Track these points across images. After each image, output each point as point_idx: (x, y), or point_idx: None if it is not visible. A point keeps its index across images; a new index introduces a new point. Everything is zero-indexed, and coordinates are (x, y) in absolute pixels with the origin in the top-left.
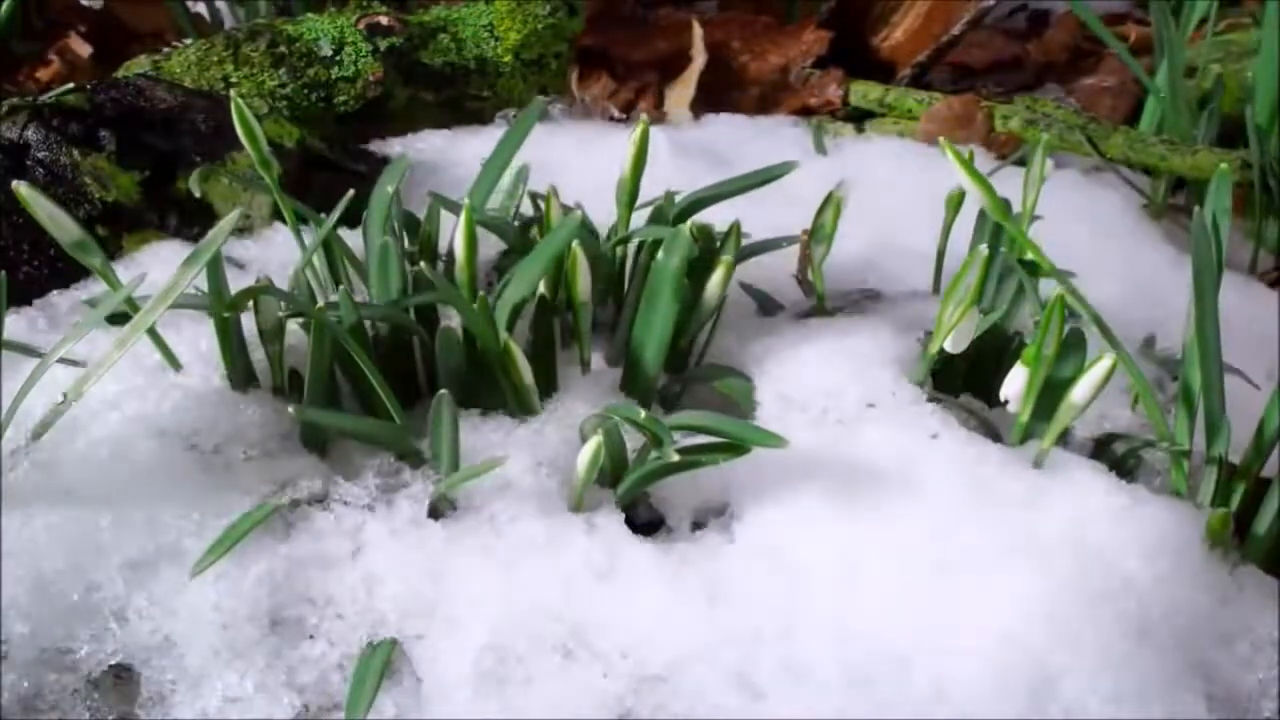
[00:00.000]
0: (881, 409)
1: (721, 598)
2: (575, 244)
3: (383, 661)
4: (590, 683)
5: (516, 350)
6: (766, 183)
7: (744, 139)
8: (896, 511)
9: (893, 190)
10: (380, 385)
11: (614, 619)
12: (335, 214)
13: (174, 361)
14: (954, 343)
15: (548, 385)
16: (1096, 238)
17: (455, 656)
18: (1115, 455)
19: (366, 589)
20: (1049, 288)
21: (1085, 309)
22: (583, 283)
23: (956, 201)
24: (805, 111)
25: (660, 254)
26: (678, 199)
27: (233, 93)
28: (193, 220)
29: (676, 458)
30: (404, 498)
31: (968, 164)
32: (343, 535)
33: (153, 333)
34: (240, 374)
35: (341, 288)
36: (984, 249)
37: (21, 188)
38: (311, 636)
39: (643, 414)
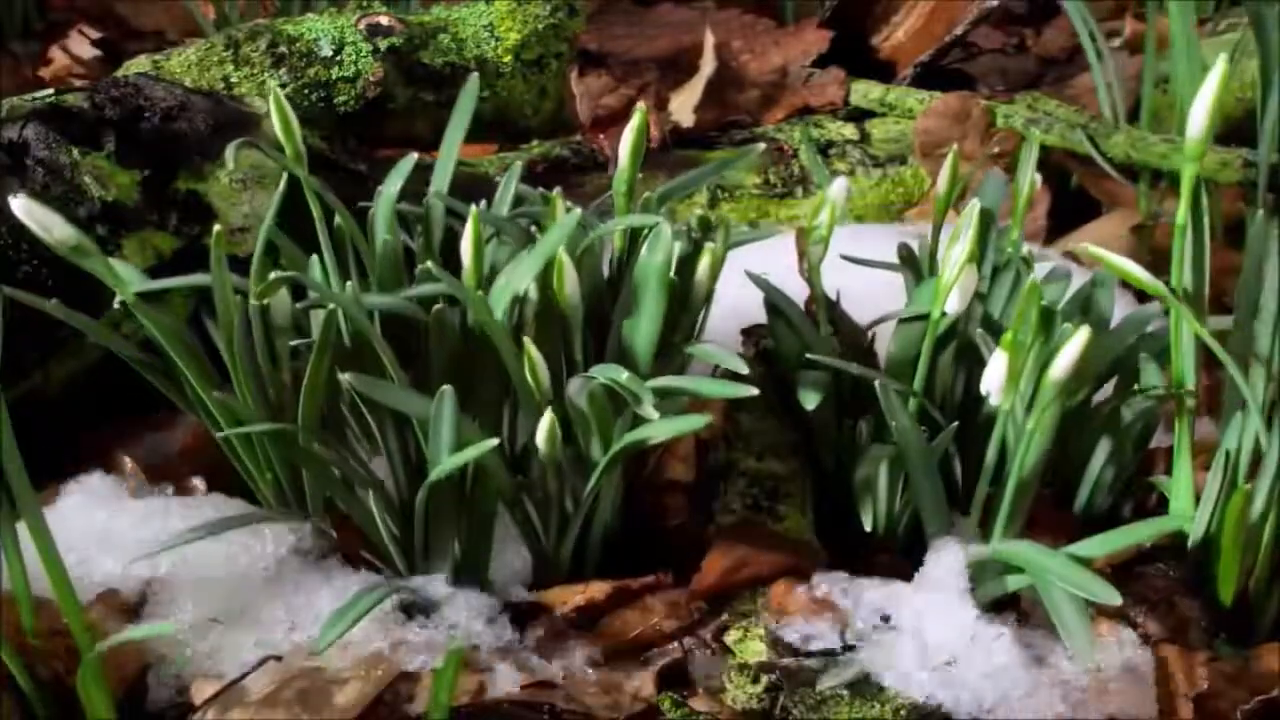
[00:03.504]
0: None
1: None
2: (560, 250)
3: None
4: None
5: (535, 353)
6: (734, 164)
7: None
8: None
9: None
10: (392, 365)
11: None
12: (278, 194)
13: None
14: (957, 301)
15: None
16: None
17: None
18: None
19: None
20: None
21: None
22: (569, 286)
23: (945, 201)
24: (806, 111)
25: (644, 251)
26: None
27: (271, 84)
28: (193, 219)
29: (656, 416)
30: None
31: None
32: None
33: None
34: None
35: (351, 283)
36: (976, 202)
37: (14, 201)
38: None
39: (624, 374)
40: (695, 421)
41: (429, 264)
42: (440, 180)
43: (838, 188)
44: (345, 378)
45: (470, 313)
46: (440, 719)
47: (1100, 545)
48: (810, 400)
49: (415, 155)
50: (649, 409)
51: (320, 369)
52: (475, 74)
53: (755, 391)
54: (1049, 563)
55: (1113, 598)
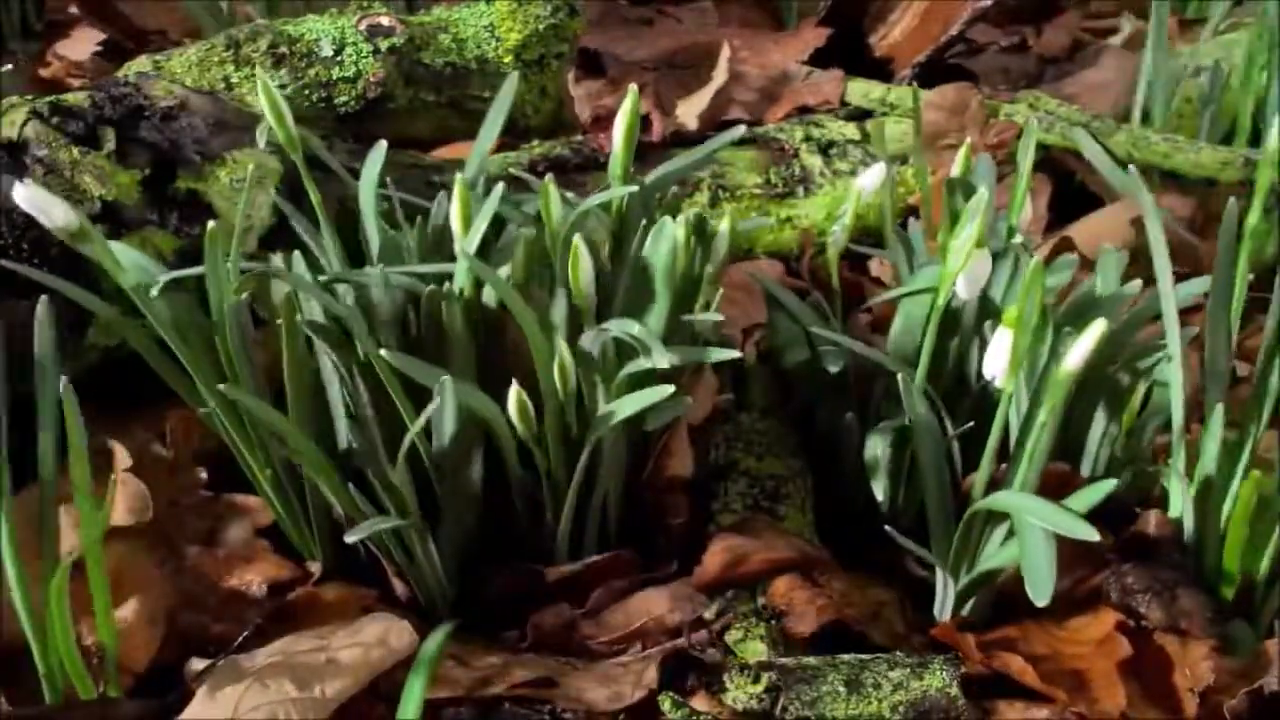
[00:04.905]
0: None
1: None
2: (577, 237)
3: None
4: None
5: (566, 353)
6: (714, 151)
7: None
8: None
9: None
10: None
11: None
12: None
13: None
14: (967, 287)
15: None
16: None
17: None
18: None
19: None
20: None
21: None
22: (584, 276)
23: (952, 188)
24: (805, 110)
25: (649, 243)
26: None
27: (258, 71)
28: (193, 219)
29: (668, 363)
30: None
31: None
32: None
33: None
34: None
35: (380, 266)
36: (984, 191)
37: (17, 189)
38: None
39: (636, 327)
40: (664, 391)
41: (463, 252)
42: (471, 173)
43: (874, 174)
44: (384, 354)
45: (507, 302)
46: (413, 712)
47: (1076, 501)
48: (833, 365)
49: (384, 143)
50: (661, 359)
51: (294, 348)
52: (515, 74)
53: (739, 355)
54: (1031, 505)
55: (1090, 534)
